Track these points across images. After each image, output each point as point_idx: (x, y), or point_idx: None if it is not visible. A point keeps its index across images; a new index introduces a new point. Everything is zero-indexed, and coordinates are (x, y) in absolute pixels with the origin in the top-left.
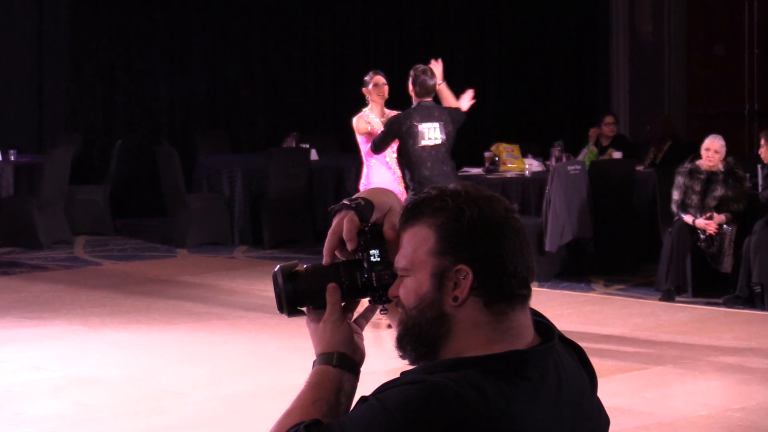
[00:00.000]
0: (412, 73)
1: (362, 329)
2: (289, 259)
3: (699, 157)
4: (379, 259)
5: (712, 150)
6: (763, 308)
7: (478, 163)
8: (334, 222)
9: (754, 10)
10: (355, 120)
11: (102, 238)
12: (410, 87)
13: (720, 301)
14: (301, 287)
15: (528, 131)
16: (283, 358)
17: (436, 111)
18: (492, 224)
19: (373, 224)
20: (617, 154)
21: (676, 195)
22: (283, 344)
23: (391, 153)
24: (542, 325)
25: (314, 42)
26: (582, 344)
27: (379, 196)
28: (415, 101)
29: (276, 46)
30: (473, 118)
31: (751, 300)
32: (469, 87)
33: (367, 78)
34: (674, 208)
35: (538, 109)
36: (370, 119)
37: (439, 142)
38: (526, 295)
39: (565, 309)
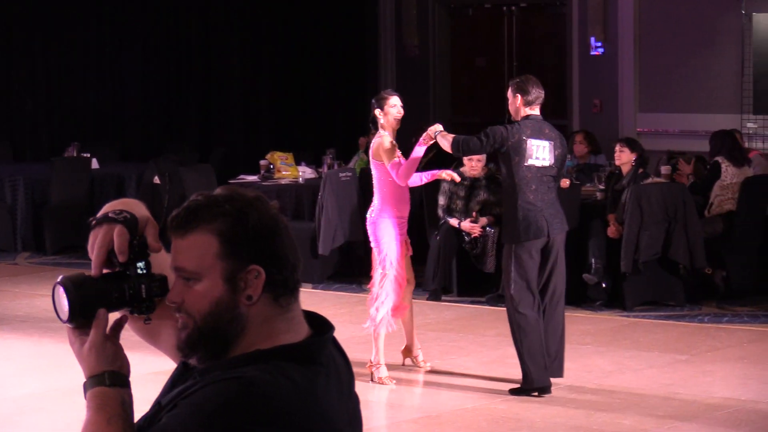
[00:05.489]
0: (513, 84)
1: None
2: (71, 265)
3: (462, 164)
4: (145, 271)
5: (475, 159)
6: None
7: (254, 170)
8: (100, 235)
9: (513, 25)
10: (375, 143)
11: None
12: (515, 99)
13: (484, 299)
14: (83, 299)
15: (301, 140)
16: (67, 360)
17: (546, 128)
18: (271, 224)
19: (140, 236)
20: None
21: (441, 200)
22: (66, 347)
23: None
24: (310, 315)
25: (94, 55)
26: (353, 342)
27: (135, 208)
28: (522, 114)
29: (57, 59)
30: (249, 127)
31: None
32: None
33: (375, 100)
34: (440, 212)
35: (311, 119)
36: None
37: (547, 164)
38: (299, 285)
39: (338, 309)
